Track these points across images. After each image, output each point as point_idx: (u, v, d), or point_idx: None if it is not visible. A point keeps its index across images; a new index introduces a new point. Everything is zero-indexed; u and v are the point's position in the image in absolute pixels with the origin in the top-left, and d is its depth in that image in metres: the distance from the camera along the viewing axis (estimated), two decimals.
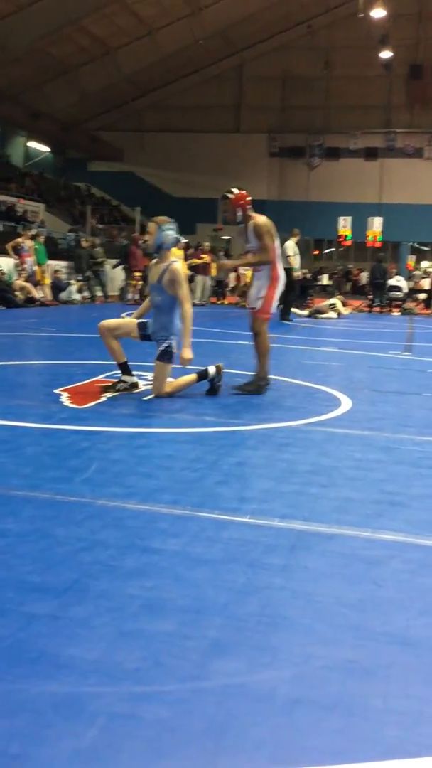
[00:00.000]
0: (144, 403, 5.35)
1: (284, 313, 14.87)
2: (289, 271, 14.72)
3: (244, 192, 5.89)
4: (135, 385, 5.69)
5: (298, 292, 15.94)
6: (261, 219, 5.91)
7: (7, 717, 1.60)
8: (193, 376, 5.66)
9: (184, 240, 20.59)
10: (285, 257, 14.54)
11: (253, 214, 5.95)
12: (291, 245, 14.80)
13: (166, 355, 5.52)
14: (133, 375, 5.68)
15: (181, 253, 19.36)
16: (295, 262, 14.72)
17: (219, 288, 21.60)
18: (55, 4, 24.23)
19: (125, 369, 5.63)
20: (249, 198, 5.92)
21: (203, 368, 5.63)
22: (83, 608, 2.11)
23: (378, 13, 28.68)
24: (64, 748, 1.51)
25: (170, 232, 5.58)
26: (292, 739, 1.59)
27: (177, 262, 5.64)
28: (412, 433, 4.70)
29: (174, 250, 18.82)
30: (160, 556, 2.50)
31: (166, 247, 5.62)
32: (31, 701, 1.66)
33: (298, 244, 15.20)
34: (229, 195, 5.88)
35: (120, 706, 1.66)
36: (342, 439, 4.45)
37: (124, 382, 5.60)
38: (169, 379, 5.62)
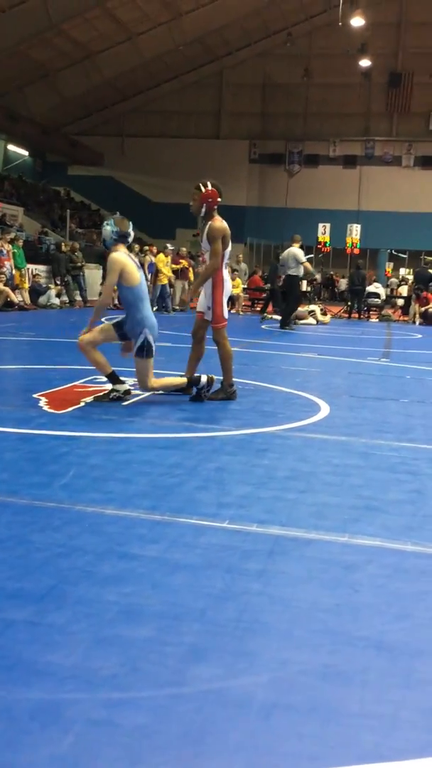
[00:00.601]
0: (123, 408, 5.35)
1: (285, 322, 14.80)
2: (295, 278, 14.71)
3: (215, 191, 5.80)
4: (128, 392, 5.58)
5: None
6: (218, 223, 5.75)
7: None
8: (183, 380, 5.69)
9: (171, 247, 20.62)
10: (298, 264, 14.54)
11: (216, 216, 5.82)
12: (300, 252, 14.79)
13: (144, 350, 5.48)
14: (123, 382, 5.59)
15: (166, 258, 19.38)
16: (301, 268, 14.57)
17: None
18: (37, 7, 24.16)
19: (114, 378, 5.53)
20: (219, 199, 5.82)
21: (197, 375, 5.65)
22: (61, 614, 2.10)
23: (357, 21, 28.94)
24: (41, 755, 1.51)
25: (108, 227, 5.61)
26: (269, 744, 1.59)
27: (118, 252, 5.51)
28: (390, 439, 4.74)
29: (161, 255, 18.79)
30: (139, 562, 2.50)
31: (107, 244, 5.63)
32: (8, 708, 1.65)
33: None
34: (202, 188, 5.80)
35: (97, 712, 1.66)
36: (320, 445, 4.48)
37: (117, 390, 5.49)
38: (163, 377, 5.71)
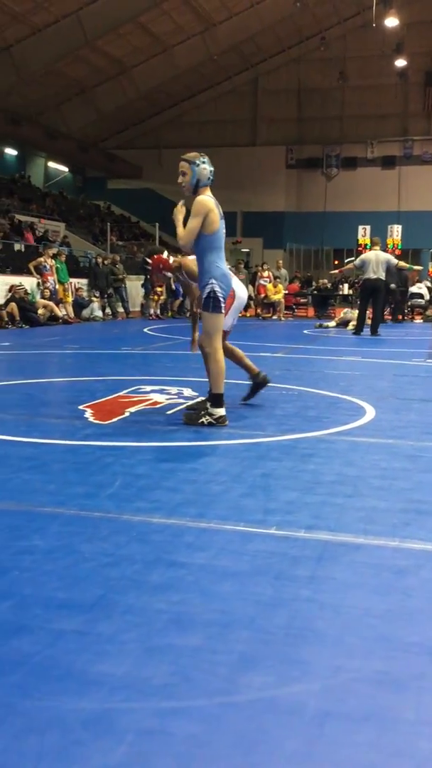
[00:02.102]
0: (167, 417, 5.36)
1: (374, 328, 14.41)
2: (381, 282, 14.30)
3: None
4: (222, 420, 4.99)
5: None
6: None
7: (36, 734, 1.60)
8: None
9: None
10: (383, 268, 14.16)
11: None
12: (390, 255, 14.52)
13: (211, 302, 4.95)
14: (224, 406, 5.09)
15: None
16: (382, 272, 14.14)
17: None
18: (70, 26, 24.55)
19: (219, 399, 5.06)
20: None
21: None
22: (110, 624, 2.10)
23: (392, 21, 28.74)
24: (93, 765, 1.50)
25: (205, 165, 4.98)
26: (323, 753, 1.56)
27: (206, 195, 4.97)
28: None
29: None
30: (187, 570, 2.49)
31: (203, 183, 4.97)
32: (60, 718, 1.66)
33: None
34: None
35: (149, 722, 1.65)
36: (366, 449, 4.42)
37: (212, 415, 4.97)
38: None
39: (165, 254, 5.70)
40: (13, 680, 1.80)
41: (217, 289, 4.93)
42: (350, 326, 16.70)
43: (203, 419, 4.97)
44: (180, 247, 5.04)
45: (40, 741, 1.57)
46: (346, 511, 3.19)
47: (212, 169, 5.04)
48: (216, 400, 5.00)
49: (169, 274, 5.74)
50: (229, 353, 5.51)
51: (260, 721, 1.66)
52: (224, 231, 5.10)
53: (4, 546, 2.69)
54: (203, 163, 4.98)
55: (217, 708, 1.71)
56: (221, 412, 4.98)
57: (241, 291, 5.70)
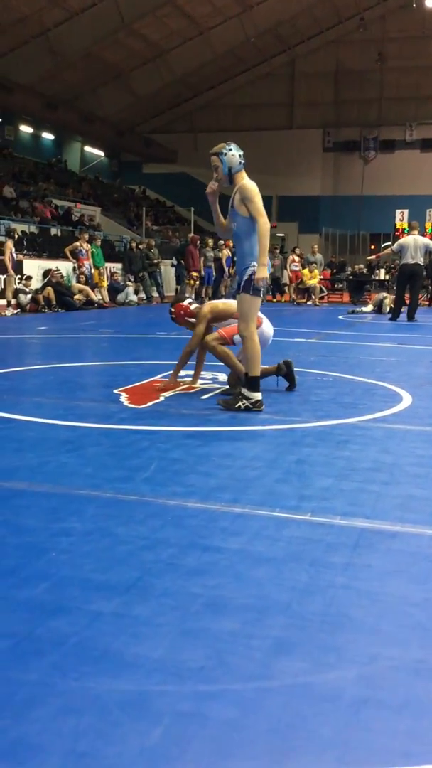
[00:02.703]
0: (202, 402, 5.36)
1: (411, 313, 14.29)
2: (419, 268, 14.12)
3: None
4: (259, 404, 5.00)
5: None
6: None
7: (74, 715, 1.61)
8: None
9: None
10: (422, 253, 14.00)
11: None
12: (429, 240, 14.33)
13: (250, 284, 4.92)
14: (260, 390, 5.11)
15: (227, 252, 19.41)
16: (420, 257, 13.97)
17: (275, 285, 21.52)
18: (107, 9, 24.51)
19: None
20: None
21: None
22: (146, 606, 2.12)
23: (431, 2, 28.18)
24: (130, 747, 1.52)
25: (232, 152, 4.98)
26: (360, 740, 1.56)
27: (248, 180, 5.01)
28: None
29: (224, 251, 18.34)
30: (222, 555, 2.49)
31: (236, 170, 4.99)
32: (98, 699, 1.67)
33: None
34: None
35: (185, 704, 1.66)
36: (403, 436, 4.38)
37: (248, 399, 4.96)
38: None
39: (186, 302, 5.96)
40: (51, 660, 1.83)
41: (266, 270, 4.93)
42: (387, 308, 16.48)
43: (239, 404, 4.96)
44: (263, 232, 4.88)
45: (77, 721, 1.59)
46: (383, 499, 3.16)
47: (241, 152, 5.04)
48: (252, 384, 4.99)
49: (193, 320, 5.82)
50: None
51: (296, 707, 1.66)
52: None
53: (42, 527, 2.72)
54: (230, 150, 5.00)
55: (253, 693, 1.71)
56: (257, 396, 4.96)
57: (269, 327, 5.76)
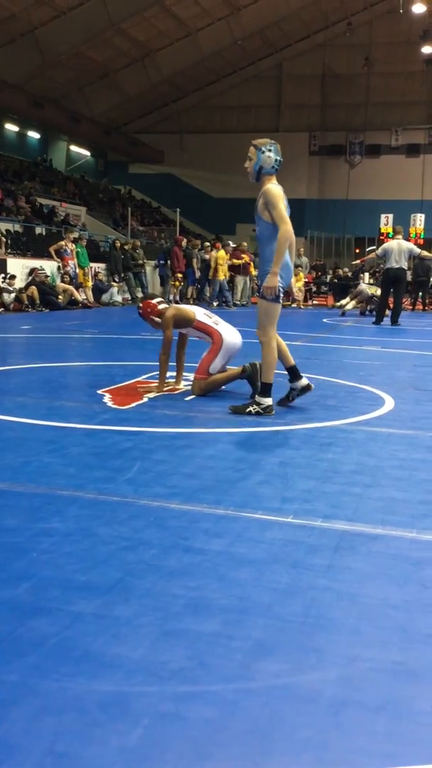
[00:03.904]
0: (186, 403, 5.36)
1: (395, 317, 14.37)
2: (403, 272, 14.21)
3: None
4: (307, 388, 5.23)
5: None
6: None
7: (53, 715, 1.61)
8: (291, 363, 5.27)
9: (232, 244, 20.68)
10: (406, 257, 14.07)
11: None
12: (412, 245, 14.40)
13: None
14: (302, 377, 5.25)
15: (226, 255, 19.43)
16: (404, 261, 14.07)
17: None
18: (95, 8, 24.48)
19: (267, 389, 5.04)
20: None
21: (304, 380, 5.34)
22: (127, 607, 2.12)
23: (419, 8, 28.38)
24: (110, 747, 1.52)
25: (271, 153, 4.91)
26: (338, 741, 1.57)
27: (274, 184, 4.93)
28: None
29: (221, 252, 18.61)
30: (204, 556, 2.50)
31: (266, 171, 4.92)
32: (78, 699, 1.67)
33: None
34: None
35: (165, 705, 1.66)
36: (386, 439, 4.40)
37: (259, 404, 4.97)
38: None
39: (155, 300, 6.00)
40: (31, 661, 1.82)
41: (276, 278, 4.92)
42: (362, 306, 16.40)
43: (250, 408, 4.97)
44: (282, 239, 4.83)
45: (57, 722, 1.59)
46: (364, 501, 3.18)
47: (279, 158, 4.97)
48: (265, 389, 5.01)
49: (157, 319, 5.88)
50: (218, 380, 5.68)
51: (275, 708, 1.67)
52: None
53: (23, 528, 2.71)
54: (269, 150, 4.93)
55: (232, 693, 1.72)
56: (268, 401, 4.99)
57: (233, 336, 5.74)
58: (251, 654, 1.89)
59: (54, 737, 1.54)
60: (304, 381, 5.27)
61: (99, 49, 27.40)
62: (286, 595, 2.24)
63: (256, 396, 5.06)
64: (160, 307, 5.92)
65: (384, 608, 2.18)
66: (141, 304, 6.10)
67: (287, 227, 4.86)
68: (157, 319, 5.91)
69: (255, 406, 4.97)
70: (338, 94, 35.89)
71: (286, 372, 5.30)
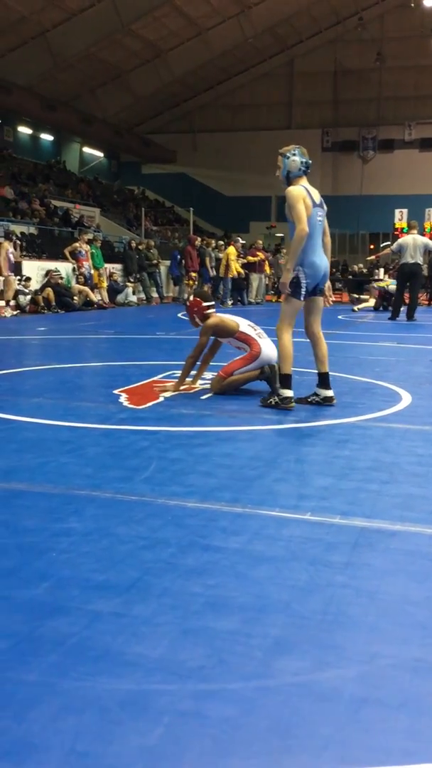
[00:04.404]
0: (202, 402, 5.36)
1: (411, 313, 14.28)
2: (418, 267, 14.11)
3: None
4: (329, 400, 5.23)
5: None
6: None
7: (74, 714, 1.62)
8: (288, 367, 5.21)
9: (242, 241, 20.67)
10: (421, 252, 13.98)
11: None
12: (428, 240, 14.29)
13: (292, 287, 5.09)
14: (330, 388, 5.27)
15: (234, 251, 19.41)
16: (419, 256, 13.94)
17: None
18: (106, 10, 24.52)
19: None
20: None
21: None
22: (146, 606, 2.12)
23: (430, 1, 28.20)
24: (130, 746, 1.52)
25: (295, 157, 5.10)
26: (359, 739, 1.56)
27: (297, 186, 5.06)
28: None
29: (231, 249, 18.66)
30: (222, 555, 2.50)
31: (294, 174, 5.11)
32: (98, 698, 1.68)
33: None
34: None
35: (185, 703, 1.67)
36: (402, 435, 4.38)
37: (278, 396, 5.11)
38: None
39: (206, 303, 5.91)
40: (51, 660, 1.83)
41: (301, 276, 5.07)
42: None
43: (271, 399, 5.13)
44: (301, 237, 4.99)
45: (77, 721, 1.59)
46: (382, 498, 3.16)
47: (305, 160, 5.15)
48: (284, 381, 5.13)
49: (200, 322, 5.88)
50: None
51: (295, 706, 1.67)
52: (319, 219, 5.18)
53: (41, 528, 2.72)
54: (294, 155, 5.14)
55: (252, 691, 1.72)
56: (288, 393, 5.08)
57: (271, 351, 5.65)
58: (270, 652, 1.89)
59: (75, 736, 1.54)
60: (329, 393, 5.28)
61: (110, 50, 27.44)
62: (305, 592, 2.23)
63: (278, 387, 5.20)
64: (207, 311, 5.89)
65: (403, 605, 2.17)
66: (192, 299, 6.06)
67: (303, 227, 4.99)
68: (199, 321, 5.90)
69: (275, 398, 5.11)
70: (350, 89, 35.72)
71: (316, 373, 5.33)
